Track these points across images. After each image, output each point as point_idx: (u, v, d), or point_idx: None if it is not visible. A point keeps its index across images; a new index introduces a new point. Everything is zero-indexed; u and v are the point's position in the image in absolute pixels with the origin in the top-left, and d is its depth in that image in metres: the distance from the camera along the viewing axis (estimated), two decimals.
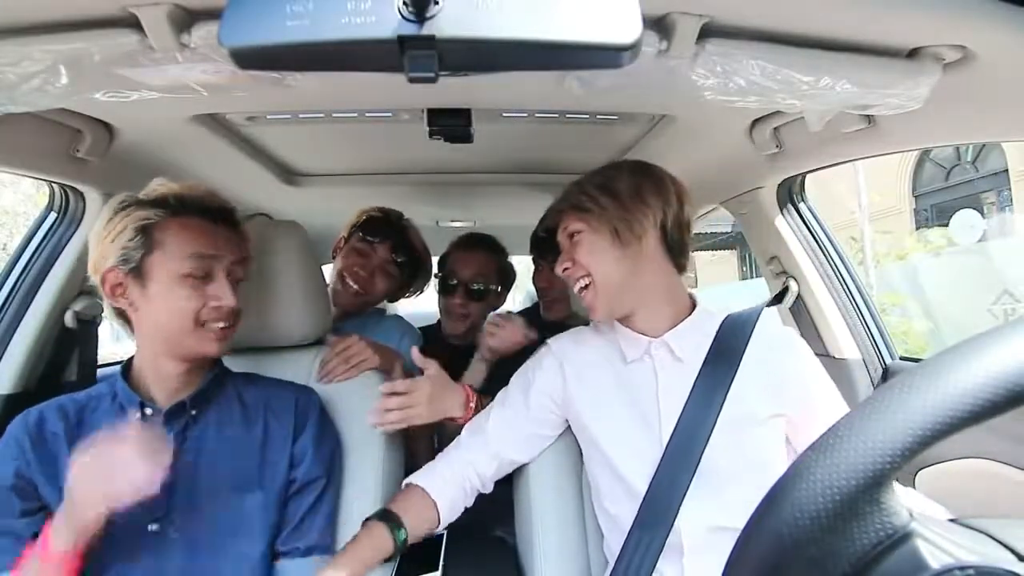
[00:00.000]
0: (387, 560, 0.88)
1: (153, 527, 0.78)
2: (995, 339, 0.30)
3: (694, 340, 0.89)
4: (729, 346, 0.87)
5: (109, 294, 0.81)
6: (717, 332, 0.89)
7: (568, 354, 0.97)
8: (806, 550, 0.30)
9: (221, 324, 0.83)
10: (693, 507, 0.80)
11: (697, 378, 0.86)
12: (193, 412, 0.85)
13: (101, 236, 0.81)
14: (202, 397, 0.86)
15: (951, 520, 0.34)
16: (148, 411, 0.83)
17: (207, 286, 0.82)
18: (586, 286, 0.90)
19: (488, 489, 0.98)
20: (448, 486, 0.95)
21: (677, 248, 0.92)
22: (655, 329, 0.91)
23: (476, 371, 1.24)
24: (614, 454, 0.88)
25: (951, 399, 0.29)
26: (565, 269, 0.93)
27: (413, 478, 0.96)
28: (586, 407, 0.93)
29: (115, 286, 0.81)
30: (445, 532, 0.96)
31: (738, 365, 0.85)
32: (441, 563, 0.89)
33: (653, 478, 0.83)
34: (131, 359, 0.87)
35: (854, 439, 0.30)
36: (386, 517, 0.88)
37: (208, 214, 0.84)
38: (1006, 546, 0.31)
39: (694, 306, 0.94)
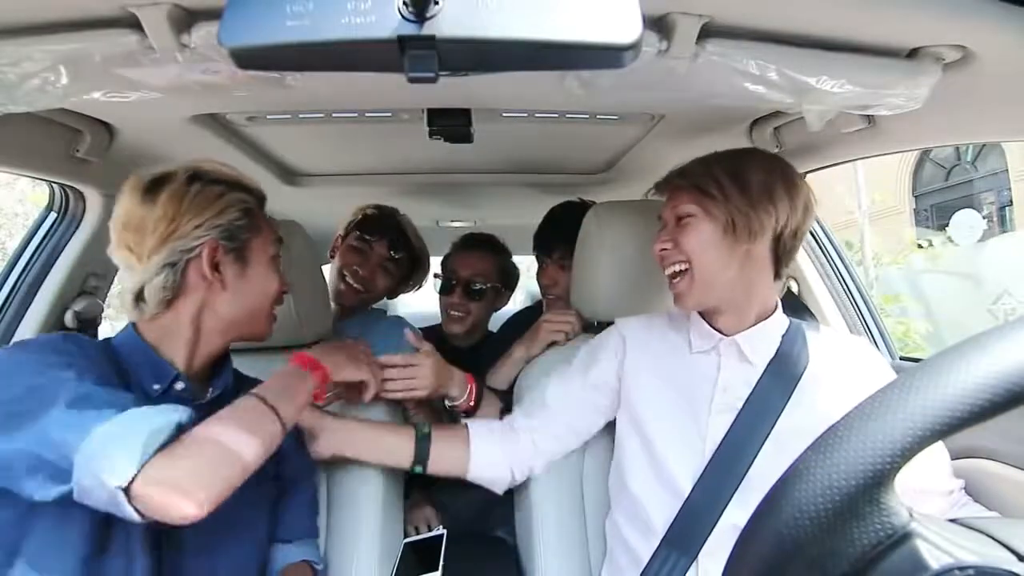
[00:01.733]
0: (407, 468, 0.92)
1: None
2: (995, 338, 0.30)
3: (764, 344, 0.87)
4: (793, 355, 0.85)
5: (210, 266, 0.76)
6: (782, 339, 0.87)
7: (636, 339, 0.95)
8: (806, 550, 0.30)
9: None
10: (730, 515, 0.79)
11: (758, 383, 0.84)
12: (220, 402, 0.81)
13: (190, 206, 0.75)
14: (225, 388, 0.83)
15: (951, 520, 0.34)
16: (180, 386, 0.76)
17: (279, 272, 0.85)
18: (682, 272, 0.85)
19: (536, 471, 0.96)
20: (492, 436, 0.94)
21: (785, 256, 0.88)
22: (732, 328, 0.88)
23: (508, 368, 1.15)
24: (661, 448, 0.86)
25: (951, 399, 0.29)
26: (663, 250, 0.87)
27: (469, 423, 0.97)
28: (642, 398, 0.90)
29: (214, 260, 0.76)
30: (445, 532, 0.96)
31: (800, 376, 0.83)
32: (441, 563, 0.89)
33: (699, 480, 0.81)
34: (133, 327, 0.78)
35: (853, 439, 0.30)
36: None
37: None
38: (1006, 546, 0.31)
39: (774, 310, 0.90)
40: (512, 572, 1.01)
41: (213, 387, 0.81)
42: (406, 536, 1.03)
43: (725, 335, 0.87)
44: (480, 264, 1.53)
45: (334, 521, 0.95)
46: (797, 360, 0.85)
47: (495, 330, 1.65)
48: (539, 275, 1.49)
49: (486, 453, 0.93)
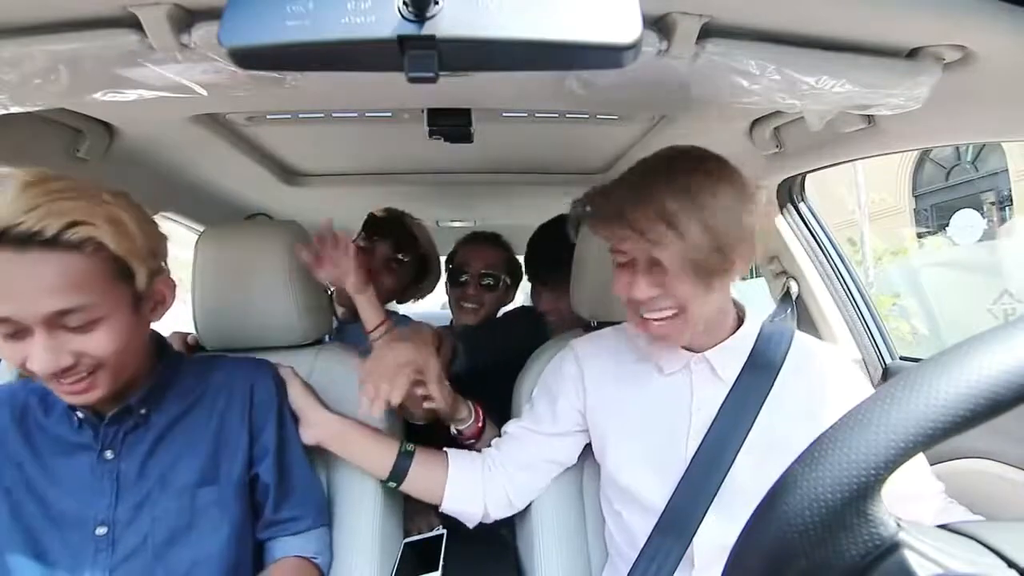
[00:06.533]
0: (381, 479, 0.91)
1: (101, 530, 0.75)
2: (976, 347, 0.30)
3: (734, 357, 0.84)
4: (764, 362, 0.83)
5: None
6: (753, 346, 0.84)
7: (591, 363, 0.92)
8: (796, 563, 0.30)
9: (64, 380, 0.67)
10: (711, 524, 0.78)
11: (729, 393, 0.82)
12: (143, 411, 0.79)
13: None
14: (151, 396, 0.80)
15: (940, 526, 0.34)
16: (79, 415, 0.76)
17: (23, 340, 0.65)
18: (671, 316, 0.76)
19: (516, 505, 0.94)
20: (470, 473, 0.92)
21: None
22: (701, 344, 0.84)
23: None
24: (631, 478, 0.84)
25: (932, 411, 0.29)
26: (651, 298, 0.75)
27: (449, 450, 0.94)
28: (607, 426, 0.88)
29: None
30: (445, 532, 0.96)
31: (772, 383, 0.81)
32: (441, 563, 0.89)
33: (674, 493, 0.80)
34: None
35: (837, 451, 0.31)
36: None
37: (15, 243, 0.61)
38: (995, 551, 0.31)
39: (740, 319, 0.87)
40: (512, 572, 1.01)
41: (119, 404, 0.77)
42: (406, 536, 1.03)
43: (694, 351, 0.85)
44: (491, 257, 1.54)
45: (334, 521, 0.95)
46: (769, 366, 0.83)
47: None
48: (534, 301, 1.48)
49: (464, 487, 0.91)
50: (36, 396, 0.79)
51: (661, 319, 0.77)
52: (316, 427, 0.90)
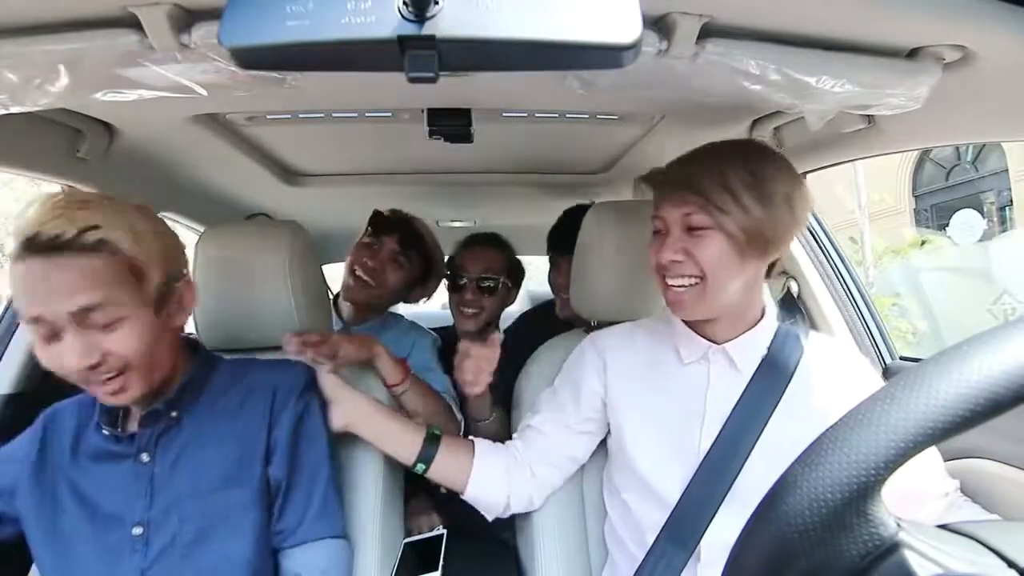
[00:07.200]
0: (411, 465, 0.91)
1: (137, 531, 0.77)
2: (975, 347, 0.30)
3: (752, 351, 0.85)
4: (780, 362, 0.83)
5: None
6: (770, 344, 0.85)
7: (612, 354, 0.92)
8: (796, 563, 0.30)
9: (97, 378, 0.72)
10: (721, 522, 0.78)
11: (745, 390, 0.83)
12: (173, 414, 0.81)
13: None
14: (182, 396, 0.82)
15: (941, 526, 0.34)
16: (105, 432, 0.80)
17: (58, 343, 0.70)
18: (690, 285, 0.79)
19: (536, 504, 0.95)
20: (498, 460, 0.92)
21: (780, 258, 0.85)
22: (722, 335, 0.85)
23: (477, 406, 1.09)
24: (648, 466, 0.85)
25: (932, 410, 0.29)
26: (674, 261, 0.79)
27: (475, 439, 0.96)
28: (627, 415, 0.89)
29: None
30: (445, 532, 0.96)
31: (787, 384, 0.82)
32: (441, 563, 0.90)
33: (688, 487, 0.81)
34: None
35: (838, 451, 0.30)
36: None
37: (41, 250, 0.67)
38: (996, 552, 0.31)
39: (762, 315, 0.87)
40: (512, 573, 1.01)
41: (149, 406, 0.80)
42: (406, 536, 1.03)
43: (714, 342, 0.86)
44: (489, 260, 1.53)
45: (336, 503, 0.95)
46: (784, 366, 0.83)
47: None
48: (552, 275, 1.48)
49: (488, 475, 0.91)
50: (85, 411, 0.84)
51: (682, 286, 0.80)
52: (347, 402, 0.91)
